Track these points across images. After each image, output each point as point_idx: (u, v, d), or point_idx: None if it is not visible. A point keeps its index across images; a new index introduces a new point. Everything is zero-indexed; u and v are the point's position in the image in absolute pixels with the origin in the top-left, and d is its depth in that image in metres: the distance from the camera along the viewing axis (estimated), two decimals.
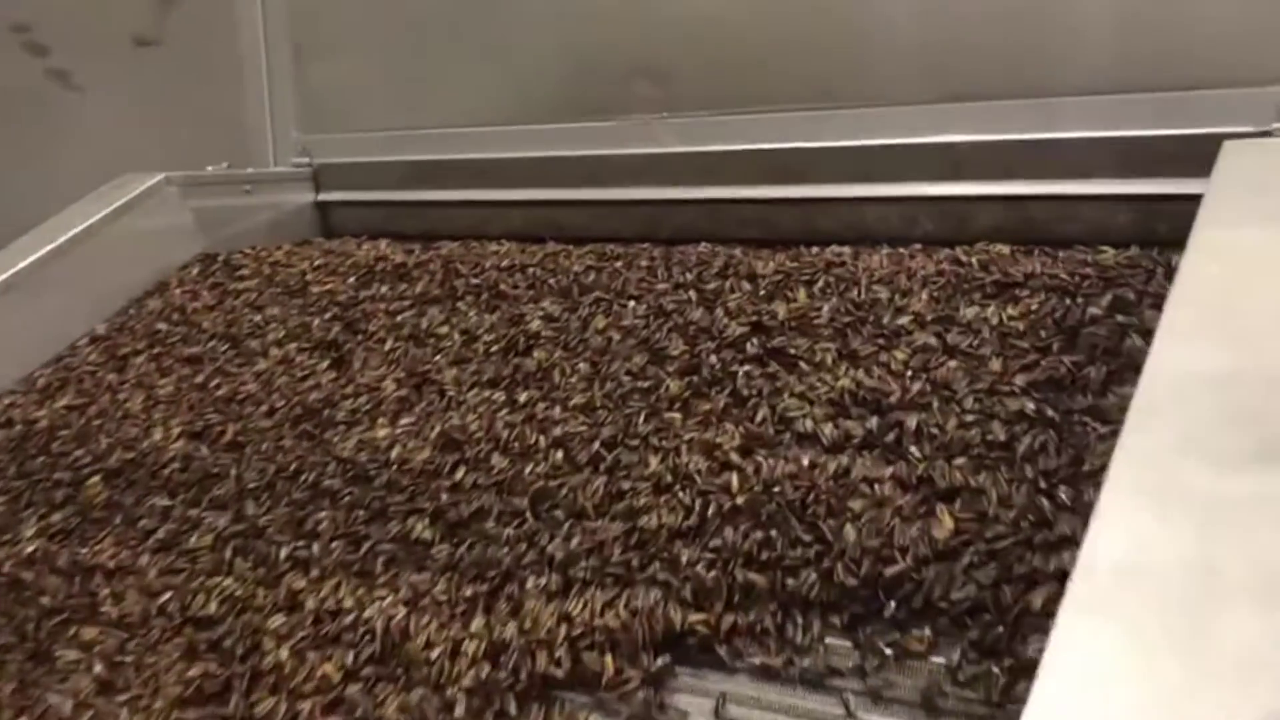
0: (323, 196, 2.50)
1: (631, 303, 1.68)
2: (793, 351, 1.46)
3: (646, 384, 1.47)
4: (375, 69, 2.47)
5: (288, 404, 1.67)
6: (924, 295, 1.48)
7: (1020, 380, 1.27)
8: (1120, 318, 1.32)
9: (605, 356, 1.56)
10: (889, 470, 1.21)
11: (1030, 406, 1.23)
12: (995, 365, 1.31)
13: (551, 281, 1.81)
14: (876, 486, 1.19)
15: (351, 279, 2.02)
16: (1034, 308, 1.40)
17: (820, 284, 1.59)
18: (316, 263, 2.13)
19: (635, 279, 1.74)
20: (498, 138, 2.29)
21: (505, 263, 1.93)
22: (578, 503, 1.30)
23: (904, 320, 1.44)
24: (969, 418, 1.24)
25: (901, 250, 1.72)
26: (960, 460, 1.19)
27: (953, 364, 1.34)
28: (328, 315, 1.90)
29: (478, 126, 2.29)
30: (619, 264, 1.86)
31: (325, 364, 1.76)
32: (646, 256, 1.86)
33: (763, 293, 1.60)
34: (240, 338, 1.91)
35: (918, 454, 1.21)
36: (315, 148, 2.51)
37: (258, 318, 1.95)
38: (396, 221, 2.41)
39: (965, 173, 1.77)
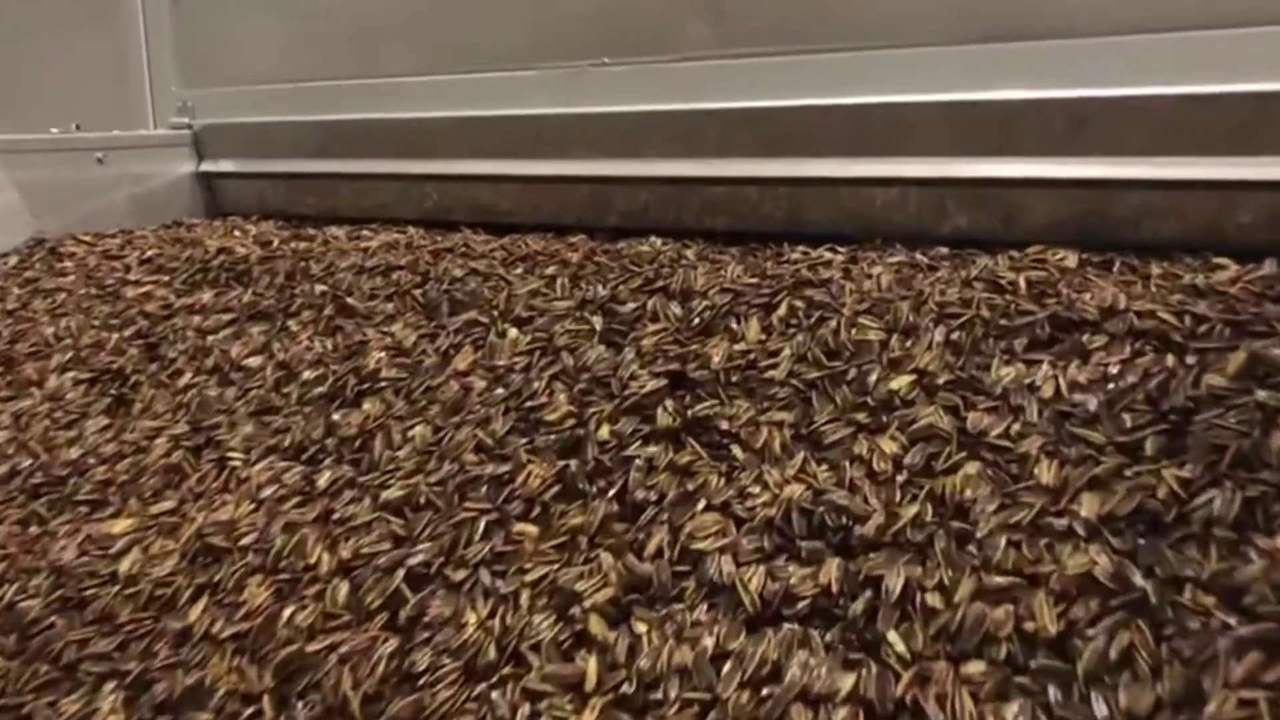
0: (206, 166, 1.99)
1: (514, 330, 1.15)
2: (724, 426, 0.92)
3: (499, 469, 0.95)
4: (270, 9, 1.94)
5: (31, 465, 1.17)
6: (937, 337, 0.94)
7: (1086, 509, 0.73)
8: (1262, 394, 0.77)
9: (455, 417, 1.04)
10: (848, 682, 0.67)
11: (1103, 565, 0.69)
12: (1045, 476, 0.77)
13: (418, 293, 1.29)
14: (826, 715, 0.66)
15: (179, 280, 1.51)
16: (1112, 370, 0.85)
17: (783, 310, 1.05)
18: (148, 254, 1.62)
19: (529, 292, 1.21)
20: (413, 94, 1.76)
21: (372, 261, 1.41)
22: (340, 692, 0.78)
23: (900, 383, 0.90)
24: (996, 580, 0.70)
25: (917, 257, 1.18)
26: (975, 670, 0.65)
27: (972, 469, 0.80)
28: (129, 331, 1.39)
29: (391, 77, 1.76)
30: (520, 267, 1.33)
31: (101, 405, 1.26)
32: (565, 256, 1.34)
33: (696, 321, 1.06)
34: (19, 359, 1.40)
35: (903, 651, 0.68)
36: (199, 106, 2.00)
37: (51, 330, 1.45)
38: (296, 198, 1.90)
39: (1013, 144, 1.22)
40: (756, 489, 0.85)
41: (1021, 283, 1.03)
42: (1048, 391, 0.85)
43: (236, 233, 1.77)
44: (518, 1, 1.62)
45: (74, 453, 1.18)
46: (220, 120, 1.99)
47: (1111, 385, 0.83)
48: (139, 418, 1.21)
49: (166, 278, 1.52)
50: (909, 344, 0.95)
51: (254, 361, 1.24)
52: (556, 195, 1.60)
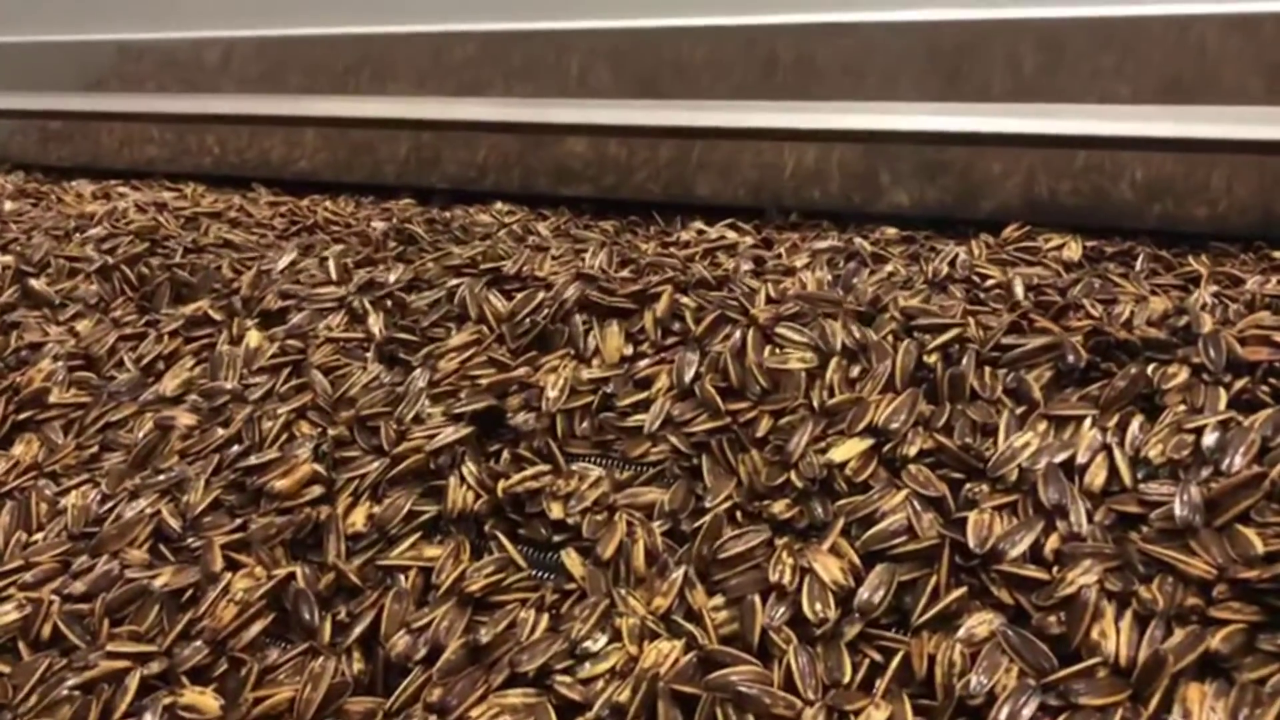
0: None
1: (255, 334, 0.76)
2: (554, 514, 0.56)
3: (180, 581, 0.57)
4: None
5: None
6: (901, 373, 0.58)
7: None
8: None
9: (135, 477, 0.66)
10: None
11: None
12: (1113, 644, 0.42)
13: (133, 272, 0.88)
14: None
15: None
16: (1207, 439, 0.50)
17: (660, 315, 0.68)
18: None
19: (287, 275, 0.82)
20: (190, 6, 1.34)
21: (93, 227, 1.00)
22: None
23: (846, 451, 0.54)
24: None
25: (856, 241, 0.83)
26: None
27: (980, 626, 0.45)
28: None
29: None
30: (295, 241, 0.94)
31: None
32: (368, 226, 0.96)
33: (526, 328, 0.69)
34: None
35: None
36: None
37: None
38: (49, 146, 1.46)
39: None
40: (596, 642, 0.48)
41: (1016, 285, 0.68)
42: (1098, 477, 0.49)
43: None
44: None
45: None
46: None
47: (1208, 467, 0.49)
48: None
49: None
50: (857, 381, 0.59)
51: None
52: (372, 145, 1.21)
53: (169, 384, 0.73)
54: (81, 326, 0.82)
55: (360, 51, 1.20)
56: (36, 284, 0.88)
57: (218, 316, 0.80)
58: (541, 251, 0.85)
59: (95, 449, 0.69)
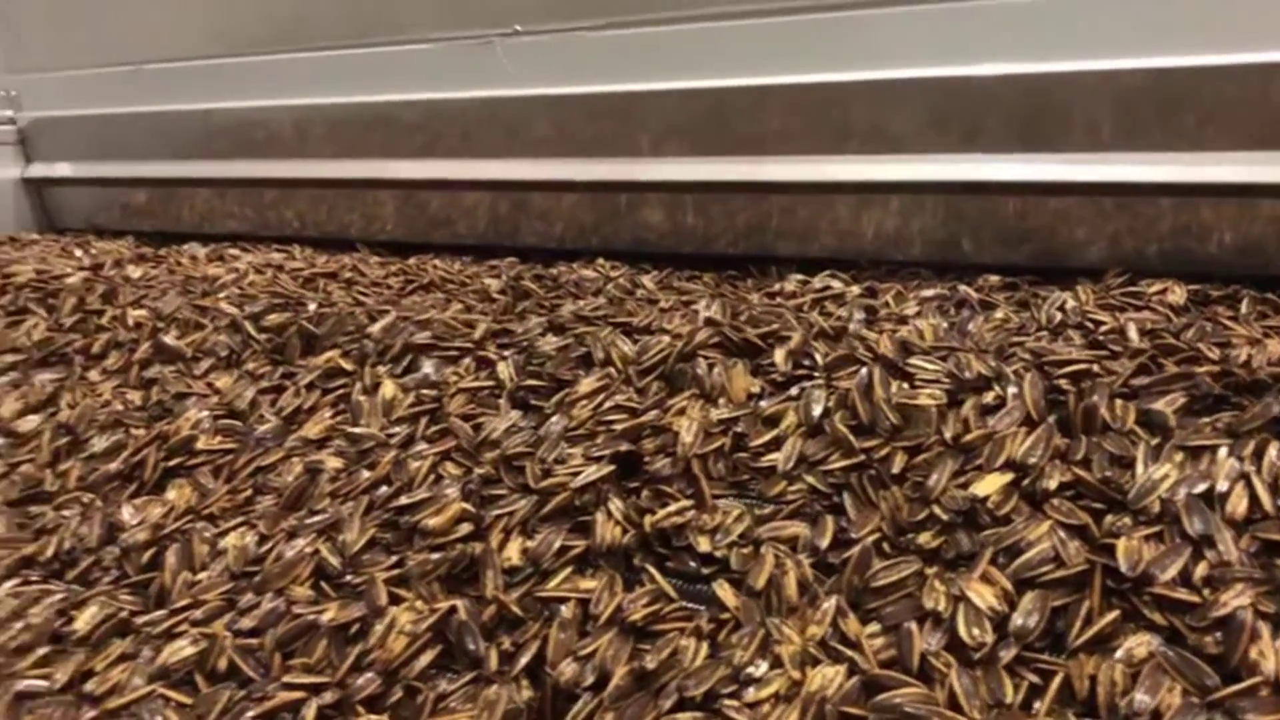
0: (37, 171, 1.61)
1: (390, 384, 0.79)
2: (702, 546, 0.58)
3: (346, 615, 0.60)
4: None
5: None
6: (1031, 408, 0.60)
7: None
8: None
9: (290, 518, 0.69)
10: None
11: None
12: (1272, 662, 0.44)
13: (261, 331, 0.92)
14: None
15: None
16: None
17: (780, 360, 0.70)
18: None
19: (418, 329, 0.86)
20: (296, 75, 1.39)
21: (217, 288, 1.04)
22: None
23: (987, 485, 0.56)
24: None
25: (962, 289, 0.85)
26: None
27: (1139, 647, 0.47)
28: None
29: (254, 55, 1.40)
30: (418, 298, 0.98)
31: None
32: (482, 282, 0.99)
33: (655, 373, 0.72)
34: None
35: None
36: (25, 95, 1.62)
37: None
38: (157, 209, 1.52)
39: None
40: (759, 668, 0.51)
41: (1130, 329, 0.70)
42: (1239, 505, 0.51)
43: (77, 252, 1.39)
44: None
45: None
46: (54, 113, 1.60)
47: None
48: None
49: None
50: (988, 416, 0.61)
51: (30, 422, 0.88)
52: (472, 206, 1.25)
53: (312, 430, 0.77)
54: (220, 380, 0.86)
55: (437, 113, 1.25)
56: (171, 340, 0.93)
57: (349, 367, 0.84)
58: (651, 303, 0.89)
59: (249, 492, 0.73)
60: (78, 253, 1.37)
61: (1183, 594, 0.48)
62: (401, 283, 1.06)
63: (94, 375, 0.93)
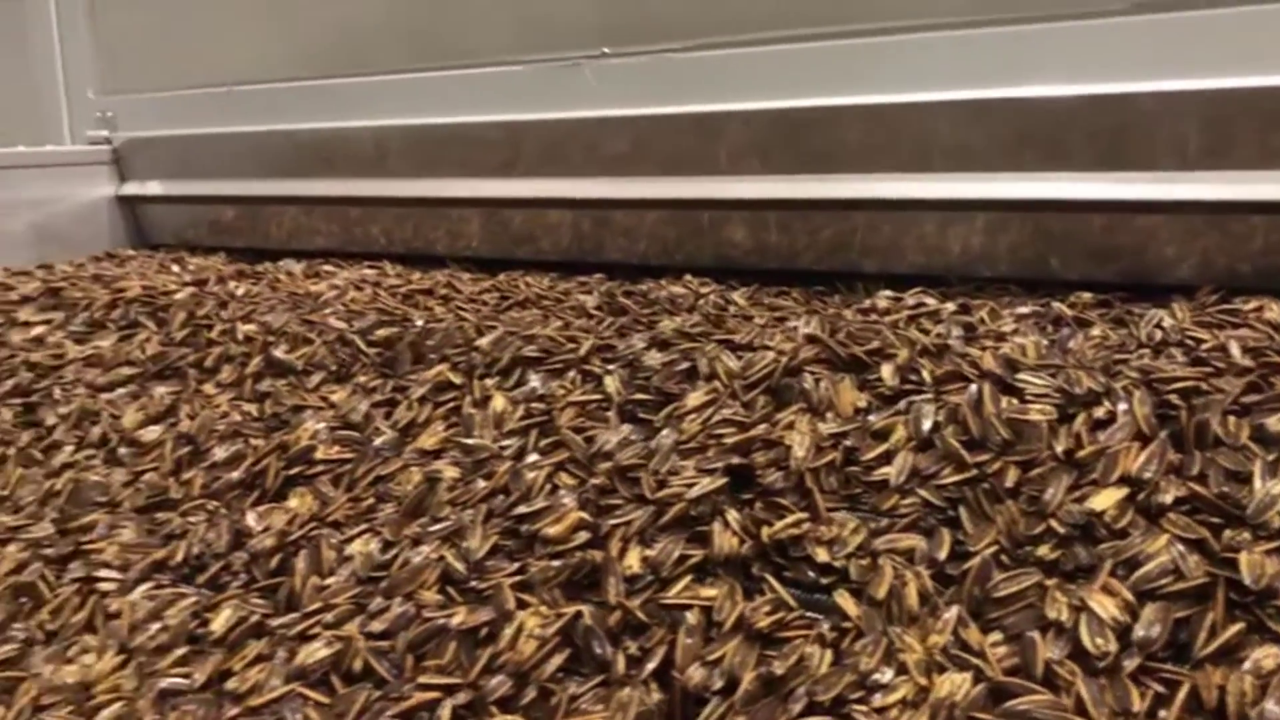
0: (131, 189, 1.66)
1: (500, 398, 0.82)
2: (820, 557, 0.60)
3: (474, 619, 0.63)
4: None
5: None
6: (1141, 423, 0.62)
7: None
8: None
9: (413, 525, 0.72)
10: None
11: None
12: None
13: (371, 345, 0.95)
14: None
15: (76, 322, 1.18)
16: None
17: (888, 375, 0.72)
18: (49, 288, 1.29)
19: (522, 345, 0.89)
20: (366, 95, 1.44)
21: (320, 304, 1.08)
22: None
23: (1104, 499, 0.57)
24: None
25: (1055, 305, 0.86)
26: None
27: (1268, 659, 0.48)
28: (7, 386, 1.05)
29: (342, 77, 1.44)
30: (515, 315, 1.01)
31: None
32: (576, 299, 1.02)
33: (761, 387, 0.74)
34: None
35: None
36: (121, 116, 1.68)
37: None
38: (245, 226, 1.57)
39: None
40: (885, 674, 0.52)
41: (1233, 347, 0.71)
42: None
43: (175, 268, 1.44)
44: None
45: None
46: (148, 133, 1.66)
47: None
48: None
49: (63, 316, 1.19)
50: (1098, 433, 0.62)
51: (151, 433, 0.92)
52: (556, 223, 1.28)
53: (427, 441, 0.80)
54: (333, 394, 0.90)
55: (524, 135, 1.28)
56: (281, 354, 0.97)
57: (458, 381, 0.87)
58: (747, 319, 0.91)
59: (369, 501, 0.76)
60: (175, 268, 1.42)
61: None
62: (497, 298, 1.09)
63: (209, 388, 0.96)
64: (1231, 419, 0.61)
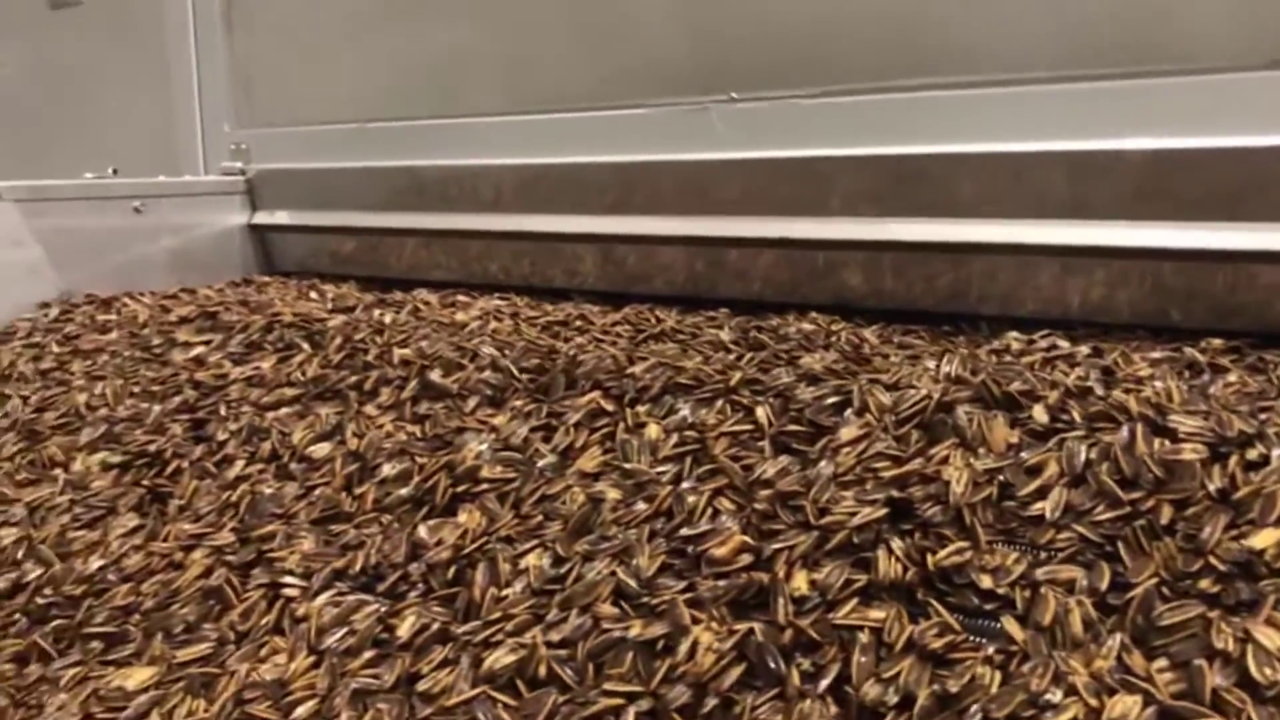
0: (261, 218, 1.75)
1: (654, 427, 0.87)
2: (984, 584, 0.64)
3: (650, 631, 0.67)
4: (337, 39, 1.71)
5: (40, 577, 0.94)
6: None
7: None
8: None
9: (582, 540, 0.76)
10: None
11: None
12: None
13: (524, 371, 1.01)
14: None
15: (235, 343, 1.25)
16: None
17: (1039, 415, 0.76)
18: (207, 310, 1.38)
19: (669, 376, 0.93)
20: (492, 134, 1.50)
21: (467, 333, 1.14)
22: None
23: (1266, 539, 0.60)
24: None
25: (1188, 352, 0.89)
26: None
27: None
28: (174, 404, 1.13)
29: (468, 117, 1.52)
30: (654, 345, 1.06)
31: (133, 498, 1.02)
32: (709, 334, 1.06)
33: (913, 423, 0.78)
34: (44, 432, 1.16)
35: None
36: (254, 149, 1.77)
37: (84, 398, 1.20)
38: (369, 257, 1.65)
39: None
40: (1055, 695, 0.56)
41: None
42: None
43: (313, 294, 1.52)
44: (625, 27, 1.36)
45: (94, 563, 0.92)
46: (279, 165, 1.75)
47: None
48: (176, 519, 0.95)
49: (220, 338, 1.27)
50: (1252, 475, 0.65)
51: (321, 449, 0.98)
52: (676, 260, 1.33)
53: (587, 464, 0.85)
54: (493, 418, 0.95)
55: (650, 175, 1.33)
56: (438, 378, 1.03)
57: (611, 408, 0.92)
58: (884, 357, 0.95)
59: (537, 518, 0.81)
60: (314, 295, 1.50)
61: None
62: (632, 331, 1.14)
63: (370, 409, 1.03)
64: None
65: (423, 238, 1.57)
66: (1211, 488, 0.65)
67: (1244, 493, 0.64)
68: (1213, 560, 0.60)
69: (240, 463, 1.01)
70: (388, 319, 1.24)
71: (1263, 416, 0.71)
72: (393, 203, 1.58)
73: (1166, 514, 0.65)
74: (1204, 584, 0.59)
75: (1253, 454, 0.67)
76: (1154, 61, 1.02)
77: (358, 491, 0.91)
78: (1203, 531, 0.62)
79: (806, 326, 1.11)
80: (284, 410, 1.07)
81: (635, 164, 1.33)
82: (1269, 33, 0.95)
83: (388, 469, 0.92)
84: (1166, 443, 0.70)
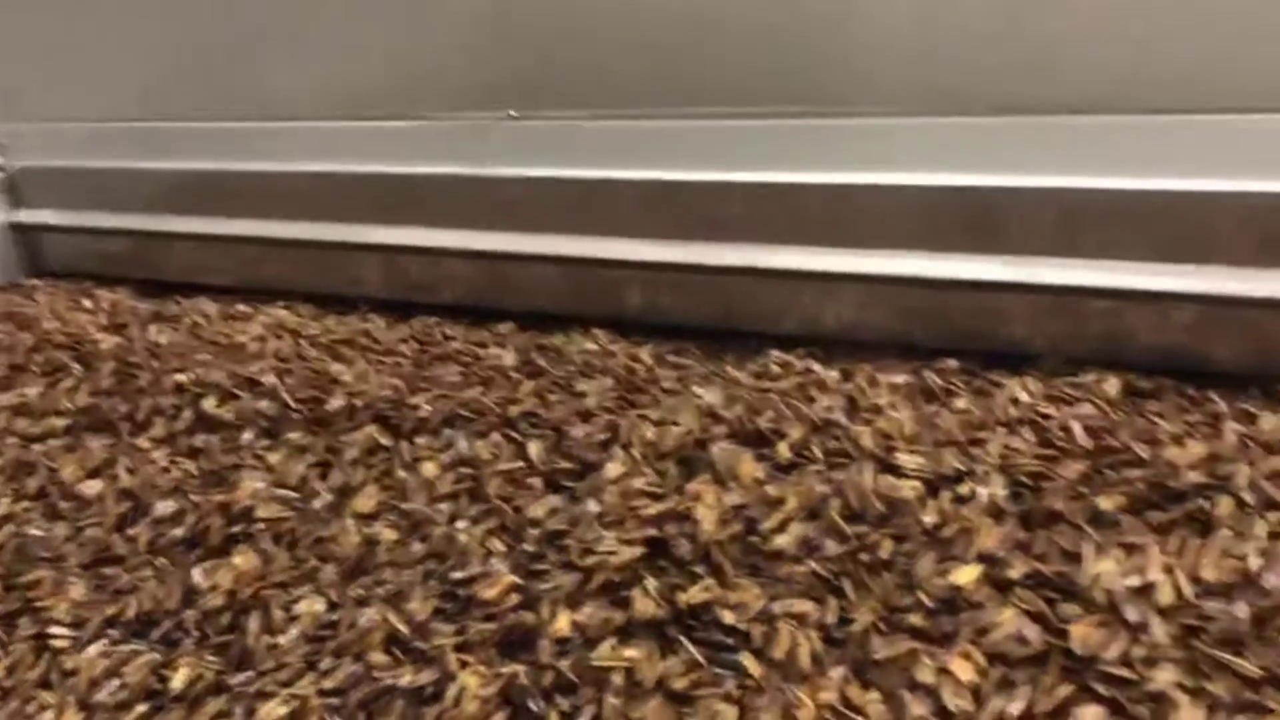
0: (24, 216, 1.67)
1: (429, 465, 0.89)
2: (727, 619, 0.69)
3: (420, 678, 0.70)
4: (106, 32, 1.63)
5: None
6: (1001, 504, 0.73)
7: None
8: None
9: (357, 585, 0.78)
10: None
11: None
12: None
13: (300, 402, 1.01)
14: None
15: None
16: (1250, 564, 0.65)
17: (783, 450, 0.82)
18: None
19: (449, 410, 0.96)
20: (273, 140, 1.48)
21: (245, 356, 1.13)
22: None
23: (965, 575, 0.68)
24: None
25: (926, 375, 0.97)
26: None
27: (1088, 715, 0.59)
28: None
29: (249, 121, 1.48)
30: (438, 370, 1.08)
31: None
32: (495, 356, 1.09)
33: (673, 458, 0.83)
34: None
35: None
36: (13, 144, 1.69)
37: None
38: (139, 258, 1.60)
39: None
40: None
41: (1075, 427, 0.83)
42: (1166, 596, 0.64)
43: (86, 303, 1.47)
44: (411, 40, 1.36)
45: None
46: (43, 163, 1.67)
47: (1251, 589, 0.63)
48: None
49: None
50: (961, 509, 0.73)
51: (92, 487, 0.96)
52: (462, 272, 1.35)
53: (364, 504, 0.87)
54: (267, 451, 0.96)
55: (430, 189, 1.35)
56: (212, 408, 1.02)
57: (388, 442, 0.94)
58: (655, 383, 1.00)
59: (311, 562, 0.83)
60: (86, 303, 1.45)
61: (1124, 672, 0.60)
62: (417, 350, 1.15)
63: (143, 442, 1.01)
64: (1069, 501, 0.72)
65: (200, 242, 1.53)
66: (927, 522, 0.73)
67: (952, 529, 0.72)
68: (921, 595, 0.68)
69: (5, 500, 0.98)
70: (164, 339, 1.22)
71: (975, 451, 0.79)
72: (167, 205, 1.53)
73: (887, 548, 0.72)
74: (914, 619, 0.67)
75: (963, 489, 0.75)
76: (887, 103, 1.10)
77: (130, 532, 0.91)
78: (915, 566, 0.70)
79: (589, 346, 1.15)
80: (52, 442, 1.04)
81: (418, 176, 1.33)
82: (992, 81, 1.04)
83: (161, 508, 0.92)
84: (890, 478, 0.77)
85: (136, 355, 1.16)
